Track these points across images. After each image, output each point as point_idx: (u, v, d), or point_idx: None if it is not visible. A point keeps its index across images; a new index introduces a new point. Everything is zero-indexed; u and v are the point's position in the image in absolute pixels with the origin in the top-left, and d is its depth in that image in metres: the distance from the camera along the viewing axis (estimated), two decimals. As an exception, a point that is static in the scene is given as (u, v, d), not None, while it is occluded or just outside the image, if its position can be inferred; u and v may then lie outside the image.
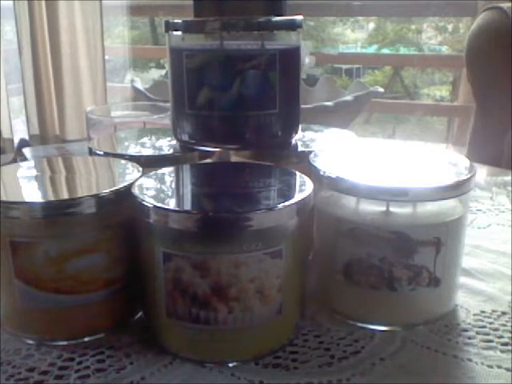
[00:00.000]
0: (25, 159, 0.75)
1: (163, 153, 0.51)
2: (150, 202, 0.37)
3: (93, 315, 0.41)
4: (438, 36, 3.73)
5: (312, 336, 0.41)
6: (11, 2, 2.12)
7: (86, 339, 0.41)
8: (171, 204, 0.37)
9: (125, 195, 0.39)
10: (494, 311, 0.45)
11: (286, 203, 0.36)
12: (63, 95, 2.19)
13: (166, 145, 0.53)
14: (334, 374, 0.37)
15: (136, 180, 0.41)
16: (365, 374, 0.37)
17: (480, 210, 0.67)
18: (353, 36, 3.96)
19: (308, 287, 0.43)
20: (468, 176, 0.41)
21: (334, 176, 0.41)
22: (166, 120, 0.66)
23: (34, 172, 0.46)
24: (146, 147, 0.53)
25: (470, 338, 0.41)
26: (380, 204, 0.41)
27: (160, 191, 0.40)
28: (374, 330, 0.42)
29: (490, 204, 0.69)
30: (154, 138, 0.56)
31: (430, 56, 3.38)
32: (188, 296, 0.36)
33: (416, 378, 0.37)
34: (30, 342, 0.41)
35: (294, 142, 0.52)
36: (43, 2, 2.12)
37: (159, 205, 0.36)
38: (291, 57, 0.49)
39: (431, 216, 0.41)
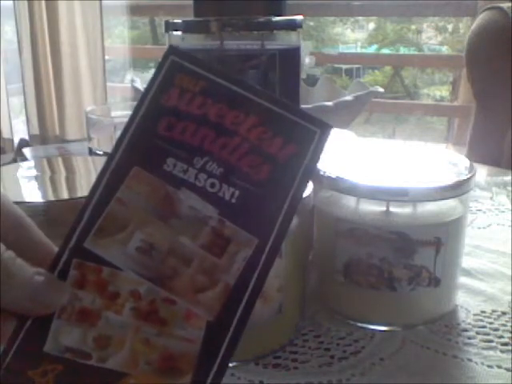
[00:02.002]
0: (25, 159, 0.75)
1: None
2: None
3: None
4: (437, 36, 3.73)
5: (312, 336, 0.41)
6: (11, 2, 2.12)
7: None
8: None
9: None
10: (493, 311, 0.45)
11: (286, 203, 0.36)
12: (63, 95, 2.20)
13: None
14: (333, 374, 0.37)
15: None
16: (365, 374, 0.37)
17: (480, 210, 0.67)
18: (353, 36, 3.97)
19: (308, 287, 0.43)
20: (468, 176, 0.41)
21: (334, 176, 0.41)
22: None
23: (33, 172, 0.46)
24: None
25: (469, 338, 0.41)
26: (380, 204, 0.41)
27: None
28: (374, 329, 0.42)
29: (489, 204, 0.69)
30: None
31: (430, 56, 3.38)
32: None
33: (416, 378, 0.37)
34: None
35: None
36: (43, 2, 2.12)
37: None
38: (291, 57, 0.49)
39: (431, 216, 0.41)
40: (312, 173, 0.28)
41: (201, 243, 0.26)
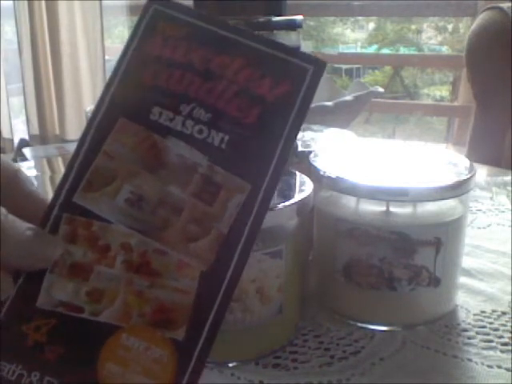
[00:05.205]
0: (25, 159, 0.75)
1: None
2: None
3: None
4: (437, 36, 3.73)
5: (312, 336, 0.41)
6: (11, 2, 2.12)
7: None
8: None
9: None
10: (493, 311, 0.45)
11: (286, 203, 0.36)
12: (63, 95, 2.20)
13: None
14: (334, 373, 0.37)
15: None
16: (365, 374, 0.37)
17: (480, 210, 0.67)
18: (353, 36, 3.97)
19: (308, 287, 0.43)
20: (468, 176, 0.41)
21: (334, 176, 0.41)
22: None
23: (33, 172, 0.46)
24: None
25: (469, 338, 0.41)
26: (380, 204, 0.41)
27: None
28: (374, 329, 0.42)
29: (490, 204, 0.69)
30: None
31: (430, 56, 3.38)
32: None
33: (416, 378, 0.37)
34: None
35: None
36: (43, 2, 2.12)
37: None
38: (291, 57, 0.49)
39: (431, 216, 0.41)
40: (306, 113, 0.26)
41: (191, 191, 0.26)
